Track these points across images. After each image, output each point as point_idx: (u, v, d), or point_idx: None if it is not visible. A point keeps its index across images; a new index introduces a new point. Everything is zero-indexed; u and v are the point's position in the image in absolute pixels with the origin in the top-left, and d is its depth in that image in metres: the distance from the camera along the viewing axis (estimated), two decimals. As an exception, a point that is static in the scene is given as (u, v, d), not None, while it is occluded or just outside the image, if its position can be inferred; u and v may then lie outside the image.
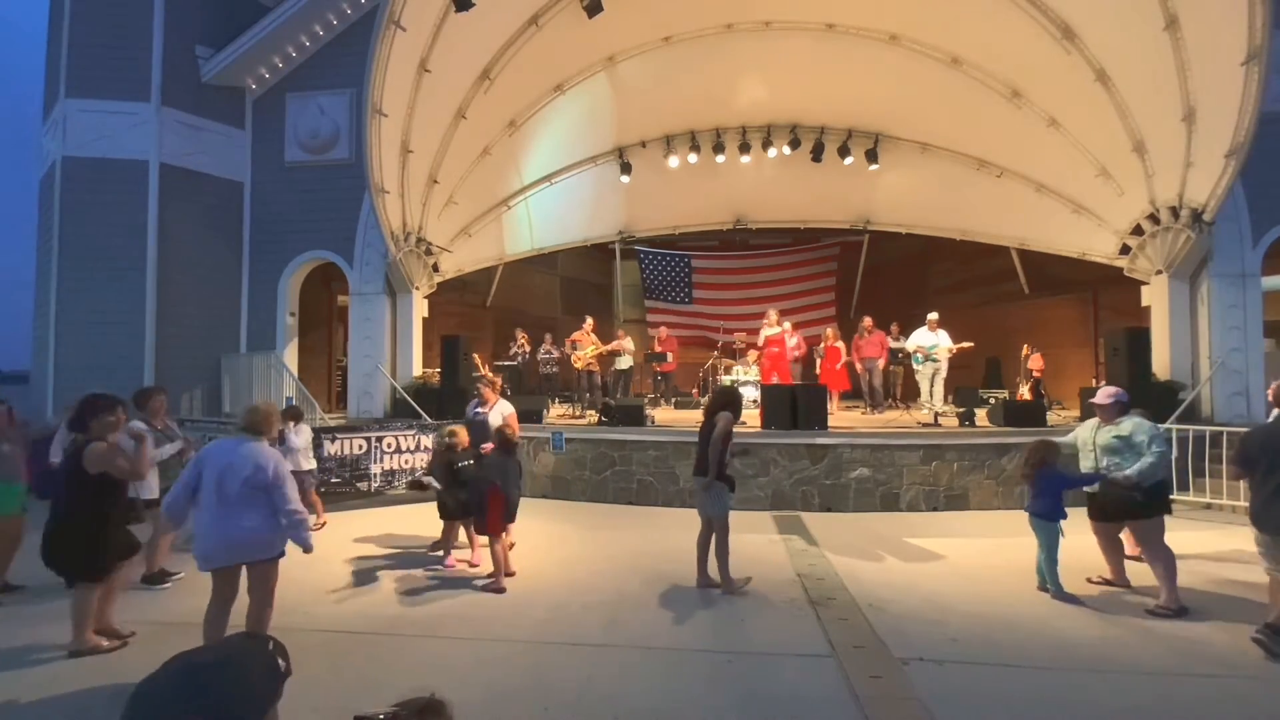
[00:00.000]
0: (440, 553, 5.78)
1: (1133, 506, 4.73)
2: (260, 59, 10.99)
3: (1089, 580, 5.09)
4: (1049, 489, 4.97)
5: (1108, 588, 5.04)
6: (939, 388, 10.28)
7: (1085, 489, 5.07)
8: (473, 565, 5.57)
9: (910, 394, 11.23)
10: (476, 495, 5.20)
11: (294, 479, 3.82)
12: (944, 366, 10.28)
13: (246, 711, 1.00)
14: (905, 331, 11.01)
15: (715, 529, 4.98)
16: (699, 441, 5.16)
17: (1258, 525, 4.01)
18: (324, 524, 6.92)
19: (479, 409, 6.50)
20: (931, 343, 10.23)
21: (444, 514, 5.73)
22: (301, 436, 6.90)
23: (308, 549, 3.63)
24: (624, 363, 11.98)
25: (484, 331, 13.94)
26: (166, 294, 10.32)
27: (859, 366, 10.99)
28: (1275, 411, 5.25)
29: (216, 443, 3.76)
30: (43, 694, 3.43)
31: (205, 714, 0.95)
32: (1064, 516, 4.96)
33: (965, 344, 10.19)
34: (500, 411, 6.36)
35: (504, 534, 5.24)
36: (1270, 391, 5.55)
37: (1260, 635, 3.90)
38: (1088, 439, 5.03)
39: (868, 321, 11.12)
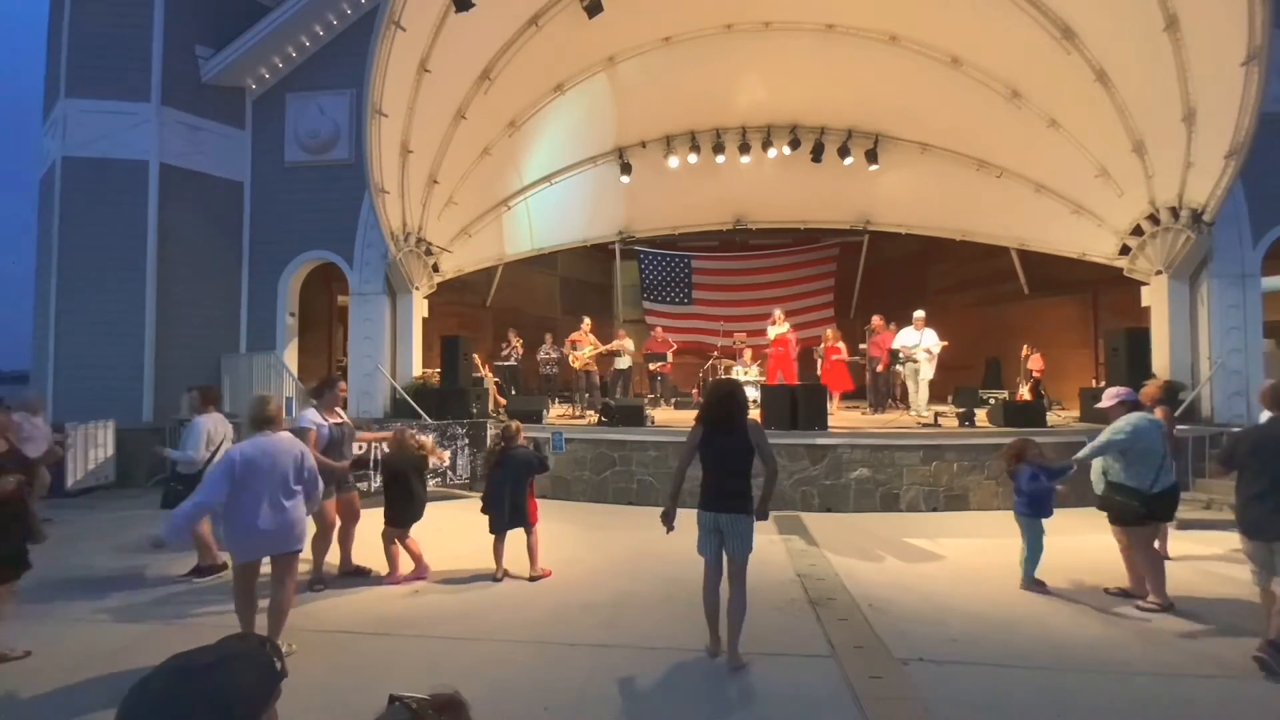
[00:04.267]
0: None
1: (1127, 514, 4.67)
2: (260, 59, 10.99)
3: (1106, 591, 4.90)
4: (1027, 485, 5.01)
5: (1118, 596, 4.82)
6: (924, 390, 9.78)
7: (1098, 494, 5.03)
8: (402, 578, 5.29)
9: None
10: (511, 493, 5.29)
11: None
12: (925, 367, 9.74)
13: (242, 713, 0.99)
14: (904, 332, 10.98)
15: (740, 574, 3.78)
16: (721, 459, 3.80)
17: (1242, 529, 3.97)
18: None
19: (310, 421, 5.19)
20: (913, 342, 9.81)
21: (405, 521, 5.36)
22: None
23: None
24: (623, 363, 11.99)
25: (484, 332, 13.94)
26: (166, 294, 10.31)
27: (867, 365, 10.92)
28: (1266, 414, 5.24)
29: (255, 440, 3.81)
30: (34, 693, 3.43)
31: (199, 716, 0.94)
32: (1048, 514, 4.99)
33: (940, 343, 9.78)
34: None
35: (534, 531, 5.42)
36: (1262, 394, 5.52)
37: (1261, 654, 3.75)
38: None
39: (876, 321, 11.05)
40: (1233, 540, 6.21)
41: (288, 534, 3.82)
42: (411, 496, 5.39)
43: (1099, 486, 5.02)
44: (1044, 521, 5.07)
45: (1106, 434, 4.74)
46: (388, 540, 5.34)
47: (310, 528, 5.03)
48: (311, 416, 5.05)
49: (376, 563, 5.42)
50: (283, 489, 3.77)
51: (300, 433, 4.93)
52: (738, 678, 3.60)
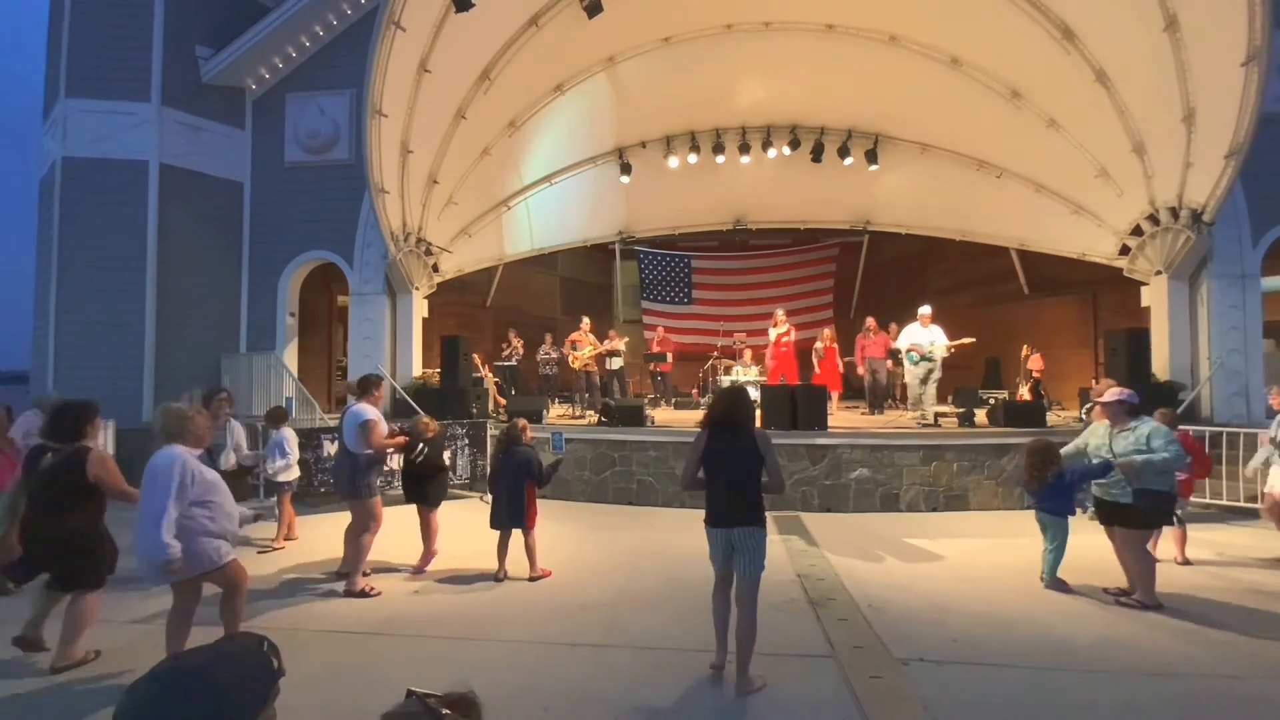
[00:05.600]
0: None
1: (1161, 517, 4.69)
2: (260, 59, 10.98)
3: (1105, 591, 4.84)
4: (1058, 488, 4.99)
5: (1118, 597, 4.73)
6: (931, 389, 9.53)
7: (1095, 491, 5.00)
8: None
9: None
10: (506, 491, 5.39)
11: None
12: (939, 367, 9.47)
13: (238, 713, 0.99)
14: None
15: (750, 594, 3.54)
16: (727, 464, 3.59)
17: None
18: (284, 546, 6.08)
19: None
20: (928, 340, 9.43)
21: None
22: (280, 442, 6.37)
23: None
24: (615, 363, 11.96)
25: (484, 332, 13.94)
26: (166, 294, 10.31)
27: (861, 367, 10.88)
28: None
29: (158, 453, 3.56)
30: (34, 697, 3.43)
31: (197, 715, 0.95)
32: (1073, 513, 5.00)
33: (966, 339, 9.50)
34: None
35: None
36: (1272, 397, 5.48)
37: None
38: (1101, 444, 4.82)
39: (872, 322, 11.02)
40: (1230, 540, 6.23)
41: (153, 561, 3.33)
42: (444, 473, 5.86)
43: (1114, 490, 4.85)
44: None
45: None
46: (427, 517, 5.65)
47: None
48: (369, 410, 5.17)
49: (389, 555, 5.45)
50: (159, 511, 3.31)
51: (366, 425, 5.05)
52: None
